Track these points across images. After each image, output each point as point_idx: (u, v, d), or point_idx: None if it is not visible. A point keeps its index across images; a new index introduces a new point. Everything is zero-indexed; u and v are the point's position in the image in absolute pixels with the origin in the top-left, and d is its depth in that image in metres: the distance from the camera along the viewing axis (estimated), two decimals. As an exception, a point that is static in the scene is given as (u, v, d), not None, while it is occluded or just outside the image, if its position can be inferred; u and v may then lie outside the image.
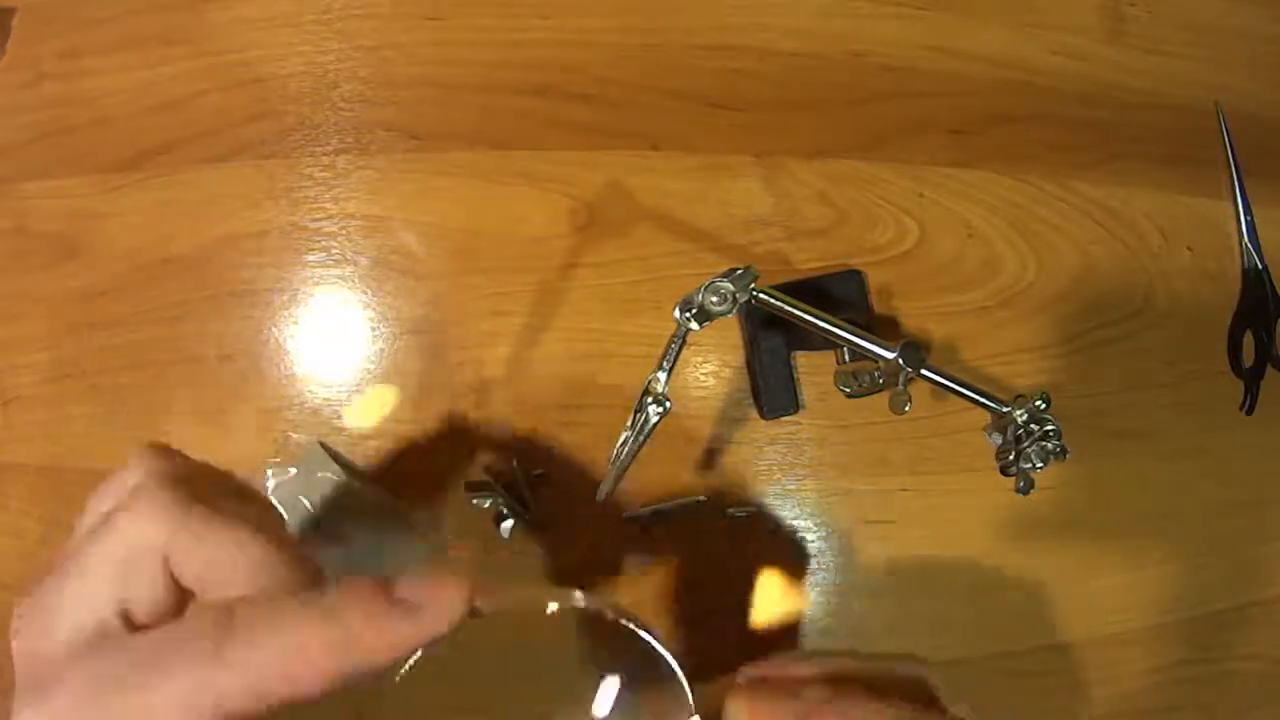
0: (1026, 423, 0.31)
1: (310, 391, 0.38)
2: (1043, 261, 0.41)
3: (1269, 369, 0.43)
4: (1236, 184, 0.44)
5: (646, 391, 0.29)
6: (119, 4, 0.40)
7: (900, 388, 0.32)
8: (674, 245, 0.38)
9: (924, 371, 0.31)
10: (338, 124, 0.39)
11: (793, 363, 0.38)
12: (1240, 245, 0.44)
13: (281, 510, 0.36)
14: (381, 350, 0.38)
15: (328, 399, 0.38)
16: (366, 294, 0.38)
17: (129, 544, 0.20)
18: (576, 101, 0.39)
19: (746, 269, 0.29)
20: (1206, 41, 0.46)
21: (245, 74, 0.39)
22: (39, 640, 0.20)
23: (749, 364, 0.39)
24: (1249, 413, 0.43)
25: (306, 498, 0.36)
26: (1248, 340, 0.43)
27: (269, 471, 0.36)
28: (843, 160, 0.40)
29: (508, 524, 0.37)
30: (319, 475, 0.36)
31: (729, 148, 0.39)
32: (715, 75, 0.40)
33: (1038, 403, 0.31)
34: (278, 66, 0.39)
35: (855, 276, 0.39)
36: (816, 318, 0.30)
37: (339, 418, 0.38)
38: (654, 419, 0.29)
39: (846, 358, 0.35)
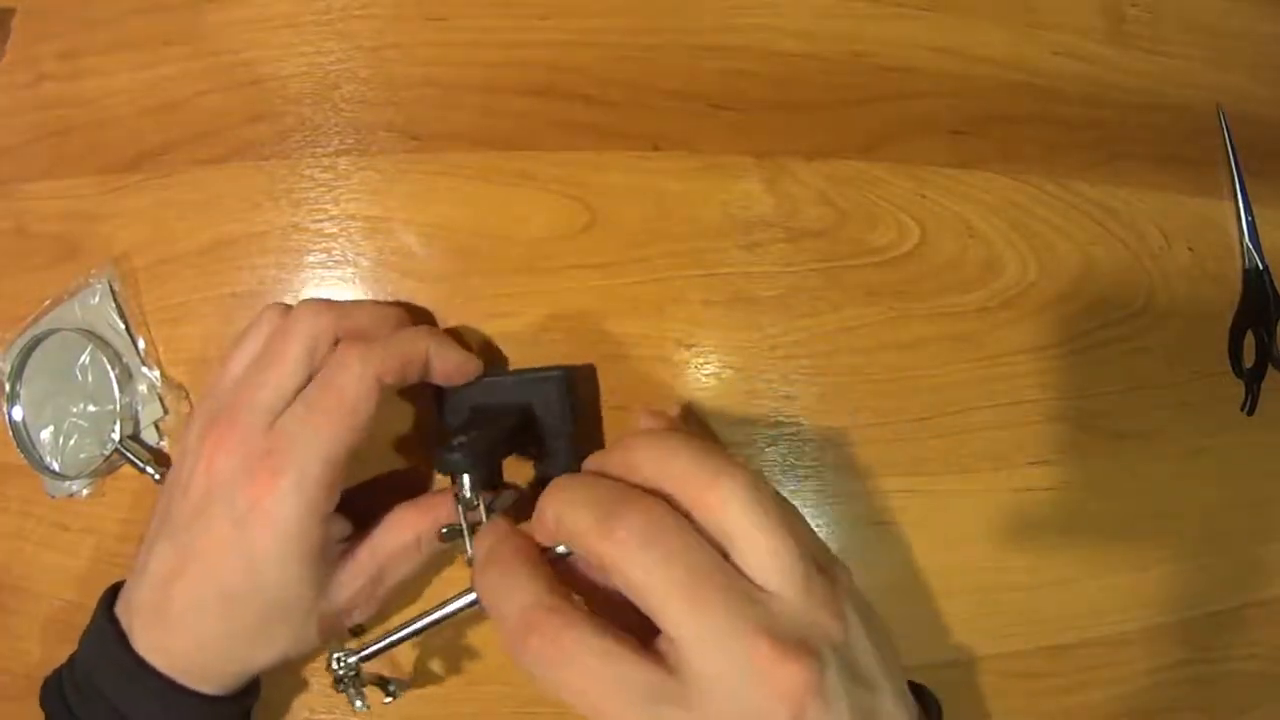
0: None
1: (311, 392, 0.38)
2: (1043, 262, 0.41)
3: (1270, 369, 0.43)
4: (1237, 184, 0.44)
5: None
6: (119, 4, 0.40)
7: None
8: (675, 246, 0.38)
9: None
10: (338, 125, 0.39)
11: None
12: (1241, 245, 0.44)
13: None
14: (382, 351, 0.38)
15: (328, 400, 0.38)
16: (367, 295, 0.38)
17: (315, 331, 0.31)
18: (577, 102, 0.39)
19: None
20: (1207, 41, 0.46)
21: (245, 75, 0.39)
22: (244, 411, 0.31)
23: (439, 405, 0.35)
24: (1249, 413, 0.43)
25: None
26: (1248, 341, 0.43)
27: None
28: (843, 161, 0.40)
29: None
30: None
31: (730, 148, 0.39)
32: (716, 76, 0.40)
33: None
34: (277, 67, 0.39)
35: (554, 384, 0.34)
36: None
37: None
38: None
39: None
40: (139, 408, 0.38)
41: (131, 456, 0.37)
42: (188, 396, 0.38)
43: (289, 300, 0.38)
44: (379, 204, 0.38)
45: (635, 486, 0.27)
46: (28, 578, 0.39)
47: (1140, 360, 0.42)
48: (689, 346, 0.38)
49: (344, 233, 0.38)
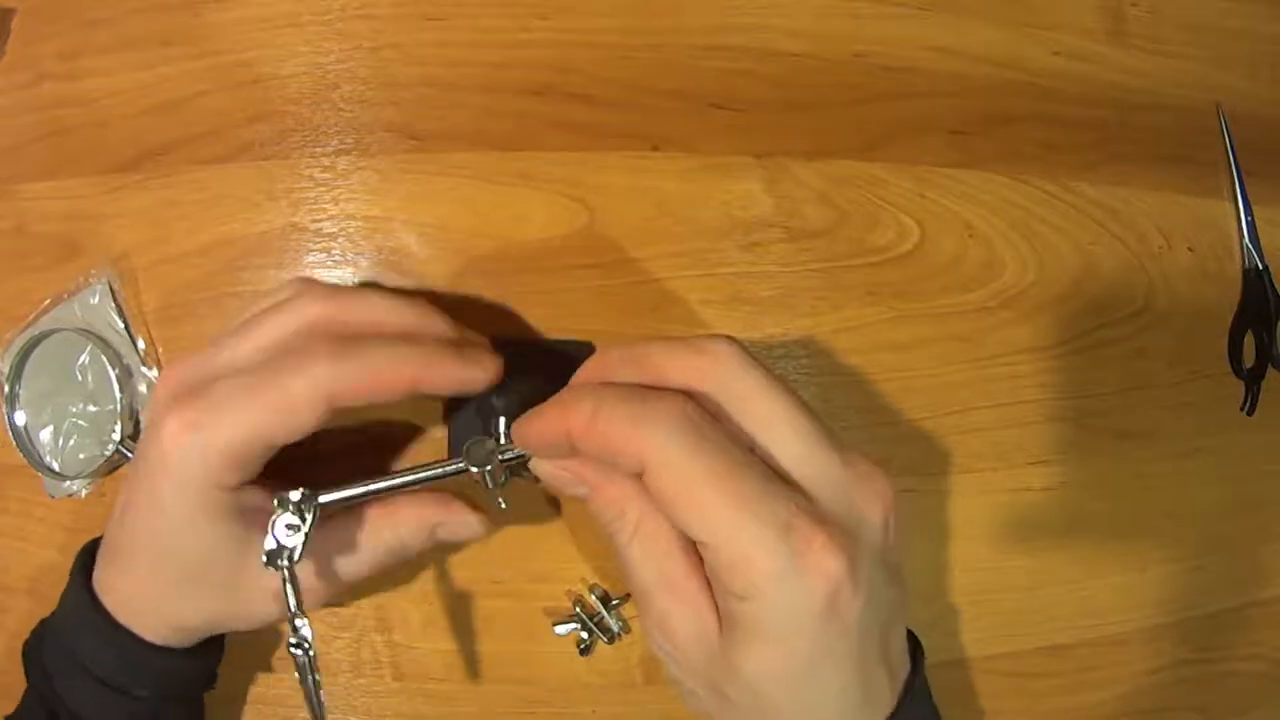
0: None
1: (311, 392, 0.38)
2: (1043, 262, 0.41)
3: (1270, 369, 0.43)
4: (1237, 184, 0.44)
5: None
6: (119, 4, 0.40)
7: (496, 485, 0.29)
8: (675, 246, 0.38)
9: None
10: (338, 125, 0.39)
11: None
12: (1241, 245, 0.44)
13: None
14: (382, 351, 0.38)
15: (328, 400, 0.38)
16: (367, 295, 0.38)
17: (301, 323, 0.29)
18: (577, 102, 0.39)
19: (281, 498, 0.27)
20: (1207, 41, 0.45)
21: (245, 75, 0.39)
22: (196, 362, 0.29)
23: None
24: (1249, 413, 0.43)
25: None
26: (1248, 341, 0.43)
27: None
28: (843, 161, 0.40)
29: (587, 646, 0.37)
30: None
31: (729, 148, 0.39)
32: (716, 76, 0.40)
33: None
34: (277, 67, 0.39)
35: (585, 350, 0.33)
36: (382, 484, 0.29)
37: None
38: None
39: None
40: (139, 408, 0.38)
41: (132, 457, 0.37)
42: None
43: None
44: (378, 204, 0.38)
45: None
46: (28, 578, 0.39)
47: (1140, 360, 0.42)
48: (689, 346, 0.38)
49: (343, 233, 0.38)
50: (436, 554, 0.37)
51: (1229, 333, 0.43)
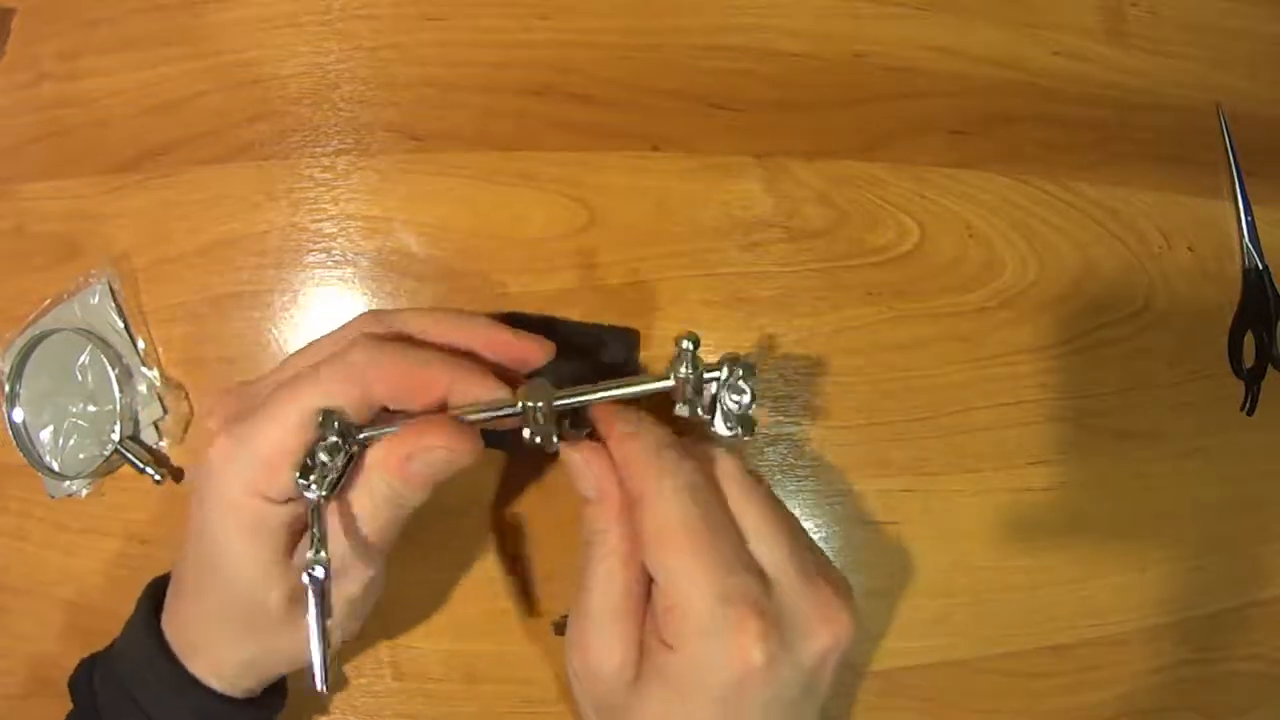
0: (695, 374, 0.28)
1: (311, 392, 0.38)
2: (1043, 262, 0.41)
3: (1270, 369, 0.43)
4: (1237, 184, 0.44)
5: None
6: (119, 4, 0.40)
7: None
8: (675, 247, 0.38)
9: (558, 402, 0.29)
10: (338, 125, 0.39)
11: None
12: (1241, 245, 0.44)
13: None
14: (382, 351, 0.38)
15: (328, 400, 0.38)
16: (367, 295, 0.38)
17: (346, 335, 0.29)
18: (577, 102, 0.39)
19: (327, 413, 0.27)
20: (1207, 41, 0.45)
21: (245, 75, 0.39)
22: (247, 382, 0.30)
23: None
24: (1249, 413, 0.43)
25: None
26: (1248, 341, 0.43)
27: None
28: (843, 161, 0.40)
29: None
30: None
31: (729, 149, 0.39)
32: (716, 76, 0.40)
33: (684, 344, 0.28)
34: (277, 67, 0.39)
35: (628, 338, 0.37)
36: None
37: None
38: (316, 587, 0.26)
39: None
40: (139, 408, 0.38)
41: (131, 457, 0.37)
42: (187, 396, 0.38)
43: (287, 299, 0.38)
44: (378, 204, 0.38)
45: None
46: (28, 578, 0.39)
47: (1140, 360, 0.42)
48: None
49: (343, 233, 0.38)
50: (436, 554, 0.38)
51: (1229, 333, 0.43)
